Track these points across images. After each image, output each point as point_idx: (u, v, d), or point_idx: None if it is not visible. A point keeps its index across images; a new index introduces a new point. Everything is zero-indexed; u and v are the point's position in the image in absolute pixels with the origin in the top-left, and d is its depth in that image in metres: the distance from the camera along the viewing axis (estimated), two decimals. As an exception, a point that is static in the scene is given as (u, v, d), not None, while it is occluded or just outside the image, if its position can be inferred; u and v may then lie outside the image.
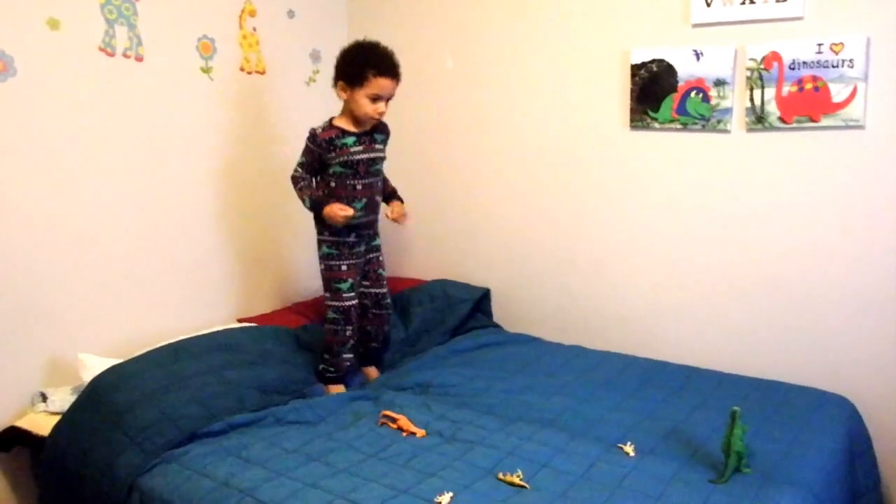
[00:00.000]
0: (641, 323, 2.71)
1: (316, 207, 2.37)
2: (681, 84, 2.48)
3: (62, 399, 2.23)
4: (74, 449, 2.04)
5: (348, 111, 2.37)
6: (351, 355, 2.48)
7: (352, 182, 2.38)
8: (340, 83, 2.34)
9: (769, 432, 1.99)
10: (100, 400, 2.09)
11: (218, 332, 2.45)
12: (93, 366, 2.23)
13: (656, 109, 2.54)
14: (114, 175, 2.48)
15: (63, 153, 2.35)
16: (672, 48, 2.48)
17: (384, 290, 2.58)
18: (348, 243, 2.42)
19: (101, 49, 2.41)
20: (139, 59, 2.51)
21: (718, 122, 2.43)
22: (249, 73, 2.88)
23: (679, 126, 2.51)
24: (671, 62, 2.49)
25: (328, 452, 1.94)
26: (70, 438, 2.07)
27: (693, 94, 2.47)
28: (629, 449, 1.92)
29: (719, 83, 2.41)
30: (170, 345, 2.31)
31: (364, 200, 2.41)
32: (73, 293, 2.40)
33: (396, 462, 1.89)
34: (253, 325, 2.64)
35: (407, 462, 1.89)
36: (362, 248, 2.48)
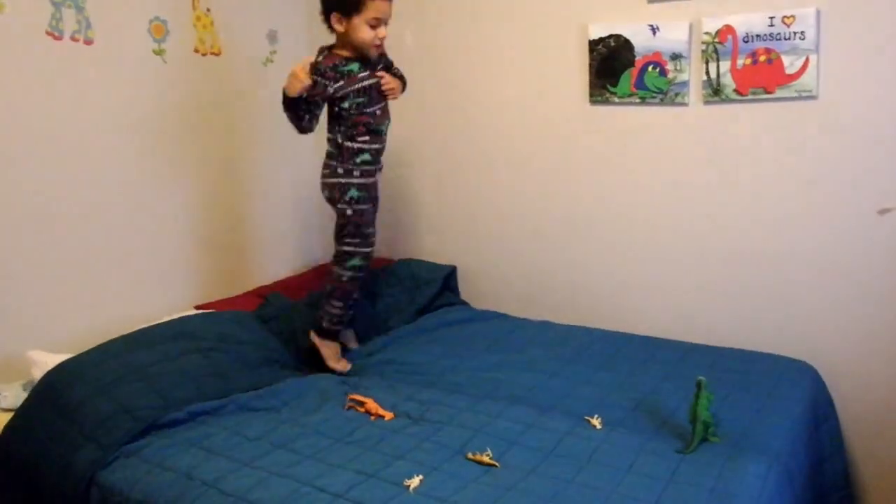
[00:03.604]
0: (608, 296, 2.72)
1: (284, 94, 2.22)
2: (638, 59, 2.49)
3: (14, 395, 2.16)
4: (29, 447, 1.97)
5: (346, 43, 2.26)
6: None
7: (371, 108, 2.31)
8: (335, 14, 2.22)
9: (735, 400, 2.01)
10: (53, 395, 2.02)
11: (174, 320, 2.38)
12: (43, 362, 2.15)
13: (615, 84, 2.55)
14: (63, 162, 2.40)
15: (8, 140, 2.26)
16: (628, 23, 2.48)
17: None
18: (371, 184, 2.36)
19: (48, 33, 2.32)
20: (88, 42, 2.43)
21: (676, 95, 2.45)
22: (204, 54, 2.80)
23: (638, 100, 2.52)
24: (628, 37, 2.49)
25: (294, 439, 1.91)
26: (24, 436, 2.00)
27: (650, 68, 2.47)
28: (596, 422, 1.92)
29: (676, 57, 2.42)
30: (123, 336, 2.24)
31: (386, 123, 2.37)
32: (20, 286, 2.32)
33: (364, 446, 1.87)
34: (210, 311, 2.58)
35: (375, 445, 1.87)
36: (378, 174, 2.41)
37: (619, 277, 2.69)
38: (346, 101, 2.28)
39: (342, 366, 2.39)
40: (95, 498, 1.83)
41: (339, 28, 2.24)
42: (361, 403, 2.07)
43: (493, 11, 2.78)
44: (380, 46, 2.30)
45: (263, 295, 2.77)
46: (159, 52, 2.65)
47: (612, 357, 2.35)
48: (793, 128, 2.30)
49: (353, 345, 2.54)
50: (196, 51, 2.78)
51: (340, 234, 2.38)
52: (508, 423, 1.93)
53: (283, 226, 3.21)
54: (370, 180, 2.37)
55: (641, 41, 2.47)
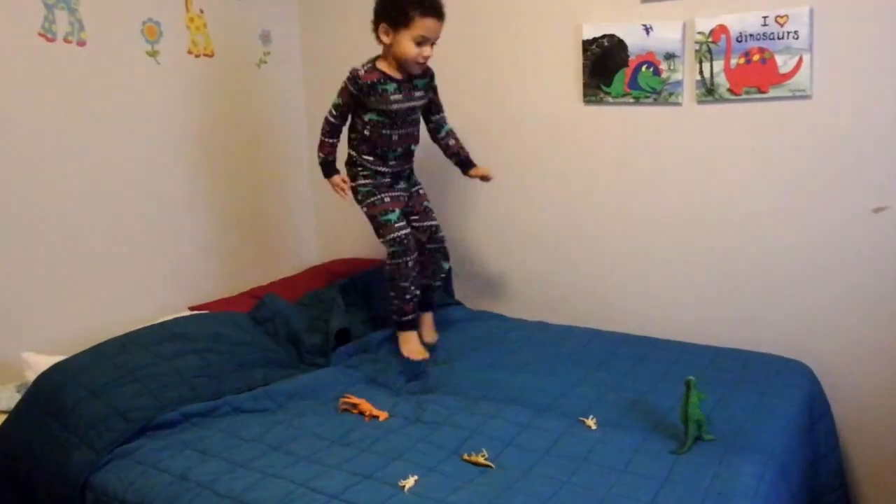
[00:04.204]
0: (602, 296, 2.72)
1: (324, 168, 2.38)
2: (632, 58, 2.49)
3: (8, 397, 2.15)
4: (22, 449, 1.97)
5: (391, 55, 2.25)
6: (416, 290, 2.41)
7: (388, 132, 2.31)
8: (383, 25, 2.22)
9: (730, 400, 2.01)
10: (46, 398, 2.01)
11: (167, 321, 2.37)
12: (37, 364, 2.14)
13: (609, 84, 2.55)
14: (56, 164, 2.40)
15: (1, 143, 2.25)
16: (622, 23, 2.49)
17: (435, 223, 2.51)
18: (385, 183, 2.38)
19: (40, 34, 2.32)
20: (81, 44, 2.42)
21: (670, 94, 2.45)
22: (198, 56, 2.80)
23: (632, 100, 2.52)
24: (622, 37, 2.49)
25: (289, 440, 1.90)
26: (17, 439, 1.99)
27: (644, 67, 2.48)
28: (591, 422, 1.92)
29: (669, 57, 2.42)
30: (117, 338, 2.23)
31: (399, 150, 2.36)
32: (14, 288, 2.31)
33: (359, 447, 1.86)
34: (204, 312, 2.57)
35: (370, 446, 1.86)
36: (402, 185, 2.43)
37: (613, 277, 2.69)
38: (368, 113, 2.30)
39: (415, 353, 2.37)
40: (90, 500, 1.82)
41: (386, 40, 2.24)
42: (355, 405, 2.06)
43: (487, 11, 2.78)
44: (423, 64, 2.27)
45: (258, 296, 2.76)
46: (153, 54, 2.65)
47: (608, 357, 2.35)
48: (787, 127, 2.30)
49: (430, 338, 2.51)
50: (189, 52, 2.77)
51: (373, 231, 2.41)
52: (504, 424, 1.93)
53: (277, 226, 3.21)
54: (377, 181, 2.37)
55: (635, 41, 2.47)
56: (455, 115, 2.89)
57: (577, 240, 2.75)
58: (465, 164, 2.51)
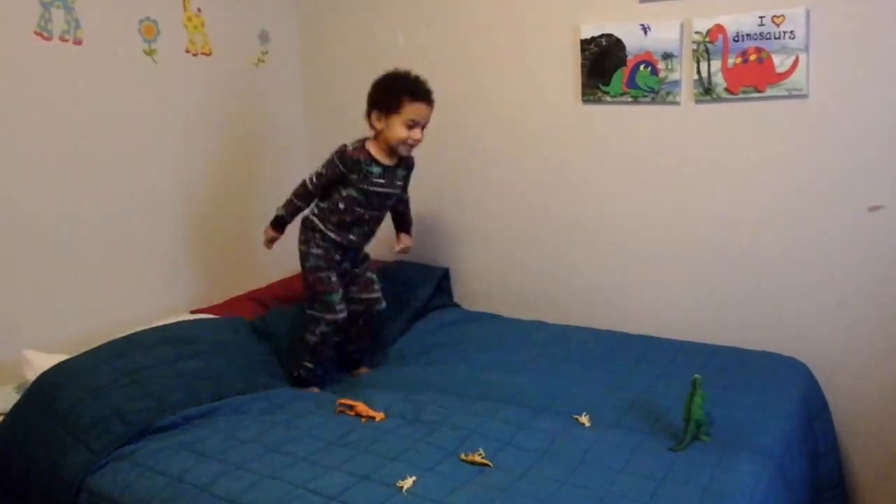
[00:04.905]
0: (600, 295, 2.72)
1: (277, 221, 2.45)
2: (630, 58, 2.49)
3: (6, 397, 2.14)
4: (19, 449, 1.96)
5: (382, 139, 2.33)
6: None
7: (360, 210, 2.36)
8: (375, 112, 2.32)
9: (728, 398, 2.01)
10: (44, 398, 2.00)
11: (170, 324, 2.36)
12: (38, 363, 2.13)
13: (607, 83, 2.55)
14: (55, 164, 2.39)
15: (-2, 143, 2.25)
16: (620, 23, 2.49)
17: (377, 295, 2.53)
18: (335, 259, 2.39)
19: (36, 33, 2.30)
20: (78, 42, 2.41)
21: (668, 94, 2.45)
22: (195, 54, 2.79)
23: (630, 99, 2.52)
24: (620, 37, 2.49)
25: (287, 442, 1.89)
26: (14, 439, 1.98)
27: (642, 67, 2.48)
28: (584, 419, 1.93)
29: (667, 56, 2.42)
30: (118, 339, 2.22)
31: (364, 228, 2.41)
32: (16, 287, 2.30)
33: (357, 448, 1.86)
34: (207, 316, 2.56)
35: (368, 447, 1.86)
36: (347, 265, 2.45)
37: (611, 276, 2.69)
38: (347, 188, 2.34)
39: None
40: (85, 502, 1.81)
41: (378, 126, 2.32)
42: (351, 407, 2.06)
43: (485, 11, 2.77)
44: (412, 146, 2.34)
45: (257, 298, 2.76)
46: (150, 53, 2.64)
47: (606, 356, 2.35)
48: (783, 126, 2.30)
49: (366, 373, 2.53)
50: (187, 51, 2.76)
51: (307, 300, 2.42)
52: (502, 424, 1.93)
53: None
54: (330, 255, 2.38)
55: (633, 41, 2.47)
56: (452, 116, 2.90)
57: (574, 239, 2.75)
58: (401, 226, 2.60)
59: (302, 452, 1.84)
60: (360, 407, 2.05)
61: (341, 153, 2.33)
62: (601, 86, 2.56)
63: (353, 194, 2.34)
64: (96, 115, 2.49)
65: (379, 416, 2.02)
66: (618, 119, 2.57)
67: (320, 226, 2.37)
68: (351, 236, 2.39)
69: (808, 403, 2.14)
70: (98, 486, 1.81)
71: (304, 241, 2.40)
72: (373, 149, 2.34)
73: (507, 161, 2.83)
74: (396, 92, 2.28)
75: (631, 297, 2.66)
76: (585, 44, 2.56)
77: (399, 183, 2.43)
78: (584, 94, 2.61)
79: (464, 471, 1.73)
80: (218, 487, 1.70)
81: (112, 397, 1.99)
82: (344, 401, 2.09)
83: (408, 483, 1.67)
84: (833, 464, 2.21)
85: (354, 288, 2.49)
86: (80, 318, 2.47)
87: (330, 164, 2.35)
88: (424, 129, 2.33)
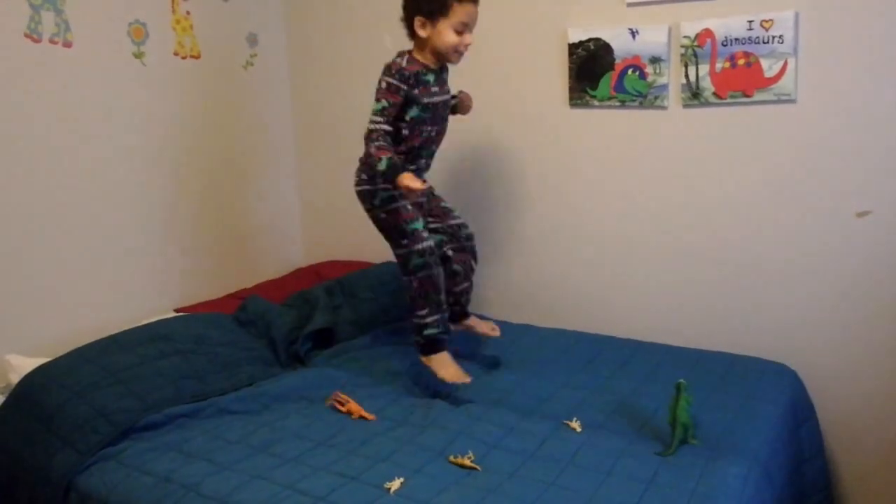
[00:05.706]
0: (587, 299, 2.73)
1: (393, 170, 2.00)
2: (618, 62, 2.50)
3: (-10, 401, 2.14)
4: (5, 452, 1.95)
5: (429, 48, 2.11)
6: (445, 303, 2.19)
7: (428, 128, 2.15)
8: (419, 18, 2.08)
9: (714, 403, 2.02)
10: (28, 401, 2.00)
11: (152, 322, 2.36)
12: (21, 367, 2.13)
13: (595, 87, 2.56)
14: (41, 164, 2.38)
15: (-17, 144, 2.24)
16: (608, 27, 2.50)
17: (460, 221, 2.32)
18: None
19: (26, 35, 2.30)
20: (67, 45, 2.41)
21: (655, 98, 2.46)
22: (184, 57, 2.79)
23: (618, 103, 2.53)
24: (608, 40, 2.50)
25: (274, 442, 1.89)
26: (0, 442, 1.98)
27: (630, 71, 2.49)
28: (575, 425, 1.93)
29: (655, 60, 2.44)
30: (100, 340, 2.22)
31: (432, 148, 2.22)
32: (-3, 290, 2.30)
33: (345, 449, 1.86)
34: (188, 314, 2.56)
35: (356, 448, 1.86)
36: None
37: (598, 280, 2.70)
38: (409, 110, 2.12)
39: (458, 377, 2.11)
40: (74, 502, 1.80)
41: (423, 33, 2.10)
42: (343, 403, 2.06)
43: (474, 15, 2.78)
44: (463, 53, 2.15)
45: (243, 298, 2.75)
46: (139, 56, 2.63)
47: (593, 360, 2.36)
48: (771, 131, 2.31)
49: (494, 332, 2.35)
50: (176, 54, 2.76)
51: (389, 241, 2.20)
52: (489, 427, 1.93)
53: (263, 228, 3.20)
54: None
55: (621, 44, 2.48)
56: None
57: (561, 243, 2.75)
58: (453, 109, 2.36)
59: (289, 453, 1.84)
60: (353, 406, 2.05)
61: (399, 71, 2.08)
62: (589, 90, 2.57)
63: (417, 114, 2.11)
64: (84, 116, 2.48)
65: (371, 417, 2.02)
66: (605, 123, 2.58)
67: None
68: (421, 160, 2.20)
69: (795, 408, 2.15)
70: (86, 486, 1.80)
71: (366, 179, 2.17)
72: (420, 58, 2.13)
73: (494, 164, 2.84)
74: None
75: (618, 301, 2.67)
76: (573, 48, 2.56)
77: (447, 87, 2.23)
78: (571, 99, 2.61)
79: (451, 472, 1.73)
80: (205, 487, 1.70)
81: (97, 397, 1.98)
82: (338, 395, 2.08)
83: (395, 484, 1.67)
84: (819, 468, 2.22)
85: (431, 219, 2.28)
86: (64, 320, 2.45)
87: (389, 89, 2.07)
88: (472, 32, 2.11)
